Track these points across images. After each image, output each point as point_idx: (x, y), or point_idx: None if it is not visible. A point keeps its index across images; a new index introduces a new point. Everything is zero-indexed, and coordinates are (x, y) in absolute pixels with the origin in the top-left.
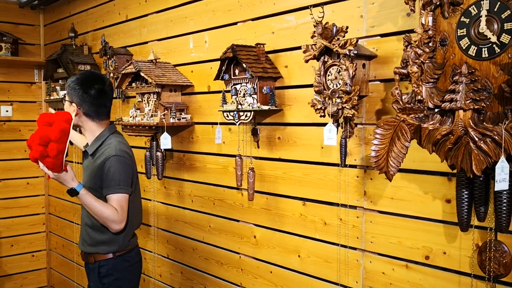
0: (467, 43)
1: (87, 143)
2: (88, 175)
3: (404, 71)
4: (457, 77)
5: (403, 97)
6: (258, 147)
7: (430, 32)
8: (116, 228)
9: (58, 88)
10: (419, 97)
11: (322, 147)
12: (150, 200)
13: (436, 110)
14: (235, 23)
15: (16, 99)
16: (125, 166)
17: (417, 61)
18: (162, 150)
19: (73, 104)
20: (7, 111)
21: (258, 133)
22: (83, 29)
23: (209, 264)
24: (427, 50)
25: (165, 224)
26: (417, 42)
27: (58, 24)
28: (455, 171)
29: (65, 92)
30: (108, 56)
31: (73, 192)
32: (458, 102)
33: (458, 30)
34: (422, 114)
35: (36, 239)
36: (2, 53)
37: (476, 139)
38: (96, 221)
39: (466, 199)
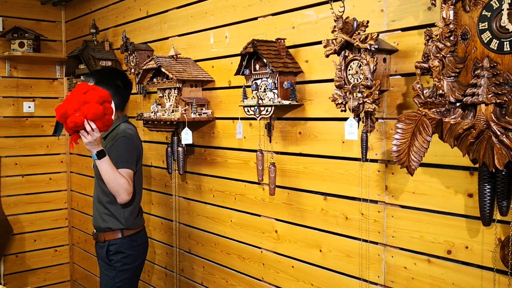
0: (489, 36)
1: None
2: None
3: (425, 65)
4: (479, 71)
5: (424, 91)
6: (270, 142)
7: (451, 26)
8: (125, 198)
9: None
10: (441, 91)
11: (343, 142)
12: (171, 195)
13: (457, 104)
14: (256, 18)
15: (38, 95)
16: (132, 146)
17: (438, 55)
18: (183, 145)
19: None
20: (29, 107)
21: (272, 128)
22: (104, 25)
23: (231, 259)
24: (448, 44)
25: (187, 219)
26: (438, 36)
27: (79, 20)
28: (477, 165)
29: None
30: (129, 52)
31: (103, 154)
32: (480, 96)
33: (480, 23)
34: (444, 108)
35: (58, 234)
36: (24, 49)
37: (498, 133)
38: (105, 198)
39: (488, 194)
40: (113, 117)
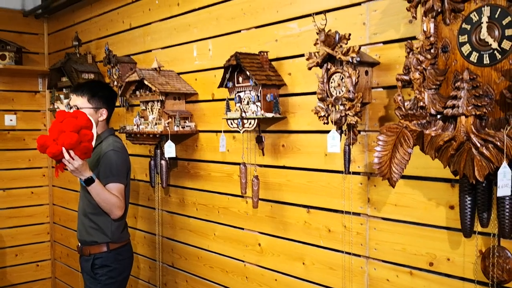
0: (469, 49)
1: None
2: None
3: (406, 77)
4: (459, 83)
5: (406, 104)
6: (263, 155)
7: (432, 38)
8: (119, 214)
9: (62, 96)
10: (421, 103)
11: (326, 155)
12: (154, 208)
13: (438, 116)
14: (239, 31)
15: (20, 108)
16: (122, 159)
17: (419, 67)
18: (166, 159)
19: (102, 109)
20: (11, 120)
21: (263, 140)
22: (87, 38)
23: (214, 272)
24: (429, 56)
25: (170, 233)
26: (419, 49)
27: (62, 33)
28: (458, 177)
29: (69, 100)
30: (112, 65)
31: (90, 181)
32: (460, 108)
33: (460, 36)
34: (425, 121)
35: (40, 248)
36: (6, 62)
37: (478, 145)
38: (90, 210)
39: (469, 205)
40: (96, 132)
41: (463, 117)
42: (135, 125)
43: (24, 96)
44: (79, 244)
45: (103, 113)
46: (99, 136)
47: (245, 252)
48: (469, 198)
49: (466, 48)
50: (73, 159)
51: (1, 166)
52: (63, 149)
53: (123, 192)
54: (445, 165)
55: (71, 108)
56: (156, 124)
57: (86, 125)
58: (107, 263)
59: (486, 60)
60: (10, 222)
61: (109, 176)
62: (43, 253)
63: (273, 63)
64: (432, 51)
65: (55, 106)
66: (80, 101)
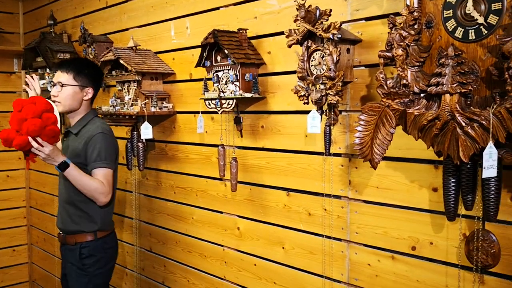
0: (454, 24)
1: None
2: (70, 152)
3: (389, 54)
4: (443, 60)
5: (388, 82)
6: (242, 136)
7: (415, 13)
8: (103, 200)
9: (37, 77)
10: (404, 81)
11: (306, 136)
12: (131, 192)
13: (422, 94)
14: (217, 8)
15: None
16: (110, 143)
17: (402, 43)
18: (143, 140)
19: (88, 87)
20: None
21: (241, 121)
22: (63, 17)
23: (192, 257)
24: (412, 32)
25: (148, 217)
26: (402, 24)
27: (37, 12)
28: (441, 158)
29: (48, 80)
30: (88, 44)
31: (65, 166)
32: (444, 85)
33: (444, 11)
34: (408, 99)
35: (17, 233)
36: None
37: (463, 124)
38: (78, 198)
39: (453, 187)
40: (84, 110)
41: (447, 95)
42: (111, 106)
43: None
44: (61, 233)
45: (89, 92)
46: (83, 118)
47: (224, 237)
48: (453, 180)
49: (451, 24)
50: (42, 145)
51: None
52: (29, 138)
53: (110, 178)
54: (429, 145)
55: (54, 85)
56: (132, 105)
57: (47, 108)
58: (94, 253)
59: (472, 36)
60: None
61: (96, 161)
62: (19, 237)
63: (252, 41)
64: (415, 26)
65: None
66: (65, 78)
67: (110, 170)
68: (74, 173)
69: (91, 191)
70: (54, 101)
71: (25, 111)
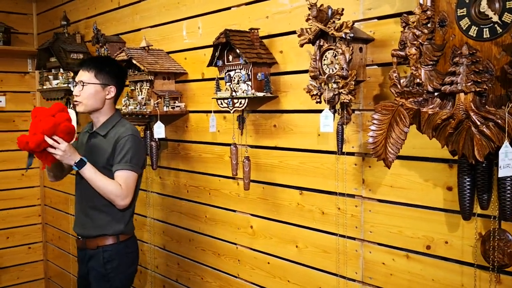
0: (468, 23)
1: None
2: (98, 154)
3: (402, 53)
4: (458, 59)
5: (401, 81)
6: (242, 135)
7: (428, 12)
8: (121, 204)
9: (51, 77)
10: (418, 80)
11: (319, 135)
12: (145, 190)
13: (435, 93)
14: (229, 8)
15: (9, 89)
16: (139, 146)
17: (415, 42)
18: (156, 140)
19: (110, 86)
20: (0, 101)
21: (245, 121)
22: (76, 18)
23: (206, 255)
24: (425, 31)
25: (161, 215)
26: (415, 23)
27: (50, 12)
28: (456, 157)
29: (62, 80)
30: (101, 44)
31: (82, 163)
32: (459, 84)
33: (458, 10)
34: (421, 98)
35: (32, 231)
36: None
37: (478, 123)
38: (103, 202)
39: (468, 187)
40: (108, 110)
41: (462, 94)
42: (123, 105)
43: (13, 77)
44: (80, 238)
45: (111, 90)
46: (111, 119)
47: (237, 235)
48: (468, 179)
49: (464, 22)
50: (58, 143)
51: None
52: (45, 136)
53: (130, 181)
54: (443, 144)
55: (77, 84)
56: (145, 104)
57: (60, 108)
58: (116, 257)
59: (486, 34)
60: (0, 205)
61: (120, 162)
62: (34, 235)
63: (264, 40)
64: (429, 25)
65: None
66: (86, 76)
67: (132, 173)
68: (90, 172)
69: (107, 193)
70: (76, 101)
71: (39, 115)
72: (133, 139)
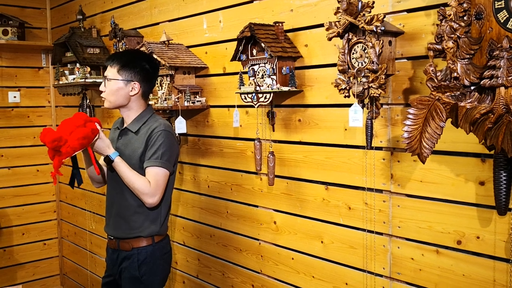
0: (506, 16)
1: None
2: (131, 150)
3: (439, 46)
4: (497, 52)
5: (437, 75)
6: (274, 131)
7: (465, 4)
8: (149, 202)
9: (67, 72)
10: (455, 74)
11: (346, 129)
12: None
13: (472, 87)
14: (251, 1)
15: (23, 85)
16: (172, 143)
17: (452, 35)
18: (177, 135)
19: (134, 82)
20: (14, 97)
21: (274, 116)
22: (91, 12)
23: (228, 251)
24: (462, 24)
25: (181, 211)
26: (452, 16)
27: (65, 6)
28: (490, 152)
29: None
30: (118, 39)
31: (110, 159)
32: (499, 78)
33: (496, 2)
34: (459, 92)
35: (47, 227)
36: (9, 37)
37: None
38: (135, 202)
39: (504, 181)
40: (137, 107)
41: (502, 88)
42: None
43: (27, 72)
44: (112, 238)
45: (135, 87)
46: (141, 115)
47: (260, 231)
48: (504, 174)
49: (502, 15)
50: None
51: (6, 143)
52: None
53: (160, 178)
54: (481, 139)
55: (105, 78)
56: (165, 99)
57: (84, 118)
58: (151, 259)
59: None
60: (16, 201)
61: (151, 158)
62: (50, 231)
63: (288, 34)
64: (465, 18)
65: (60, 82)
66: (111, 72)
67: (163, 170)
68: (119, 167)
69: (134, 189)
70: (102, 97)
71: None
72: (165, 135)
